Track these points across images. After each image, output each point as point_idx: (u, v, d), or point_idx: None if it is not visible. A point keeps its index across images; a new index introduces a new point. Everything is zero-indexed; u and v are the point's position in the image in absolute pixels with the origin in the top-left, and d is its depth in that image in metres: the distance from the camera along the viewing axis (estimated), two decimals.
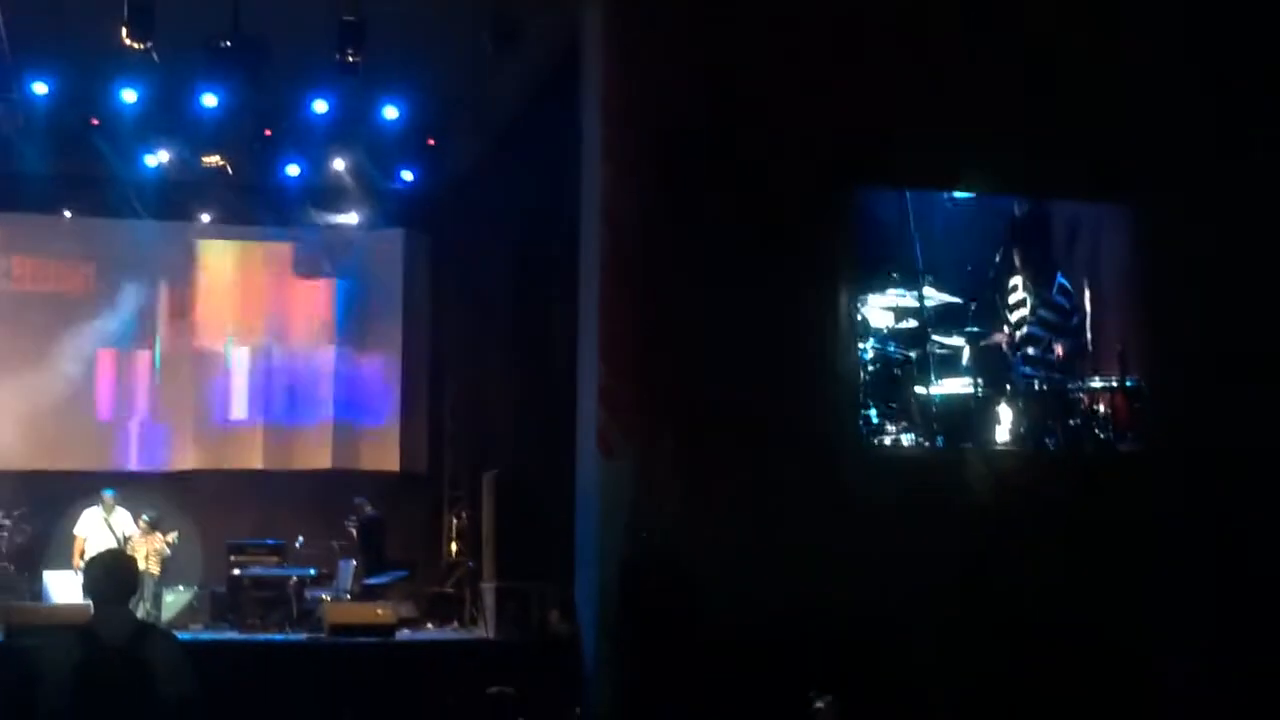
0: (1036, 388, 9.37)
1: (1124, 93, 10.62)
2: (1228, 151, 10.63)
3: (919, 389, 9.37)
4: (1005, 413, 9.44)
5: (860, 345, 9.51)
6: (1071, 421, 9.24)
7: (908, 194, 10.02)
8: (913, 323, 9.55)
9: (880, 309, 9.57)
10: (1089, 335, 9.69)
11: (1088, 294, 9.80)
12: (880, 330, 9.53)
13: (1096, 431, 9.14)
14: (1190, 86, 10.84)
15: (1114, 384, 9.21)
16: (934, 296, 9.66)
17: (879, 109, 10.93)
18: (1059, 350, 9.56)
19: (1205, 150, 10.67)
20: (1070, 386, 9.38)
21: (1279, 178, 10.57)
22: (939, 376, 9.45)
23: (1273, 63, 10.89)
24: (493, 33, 12.17)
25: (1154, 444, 9.77)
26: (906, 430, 9.34)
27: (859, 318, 9.55)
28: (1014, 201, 10.44)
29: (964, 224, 10.26)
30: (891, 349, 9.53)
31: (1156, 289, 10.06)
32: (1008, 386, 9.49)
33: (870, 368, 9.40)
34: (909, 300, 9.45)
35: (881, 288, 9.58)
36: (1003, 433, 9.35)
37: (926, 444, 9.42)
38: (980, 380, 9.36)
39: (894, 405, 9.36)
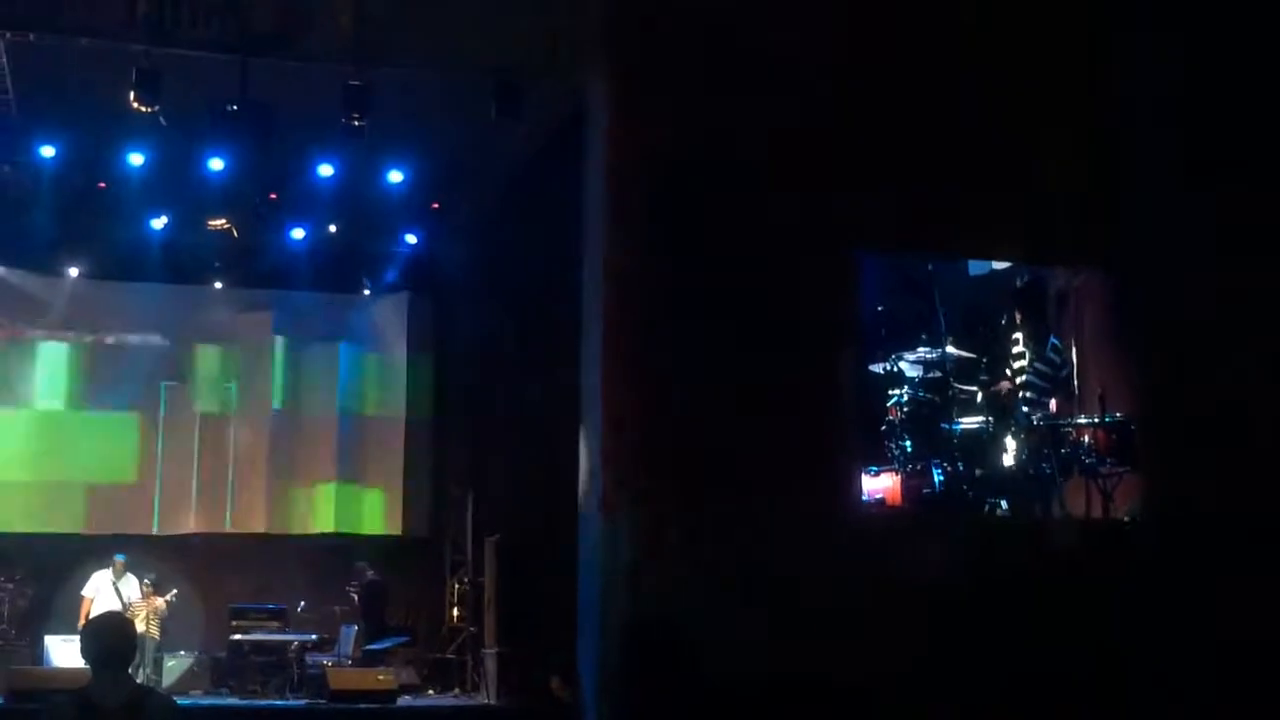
0: (1034, 424, 11.22)
1: (1111, 164, 11.09)
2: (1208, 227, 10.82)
3: (943, 425, 11.42)
4: (1010, 443, 11.31)
5: (895, 392, 11.64)
6: (1063, 450, 10.89)
7: (931, 268, 11.71)
8: (937, 373, 11.63)
9: (911, 362, 11.72)
10: (1075, 383, 11.69)
11: (1074, 351, 11.78)
12: (913, 379, 11.67)
13: (1083, 457, 10.80)
14: (1170, 157, 10.96)
15: (1095, 420, 10.84)
16: (954, 352, 11.68)
17: (882, 174, 10.98)
18: (1052, 396, 11.48)
19: (1195, 228, 10.81)
20: (1061, 423, 11.15)
21: (1247, 244, 10.72)
22: (959, 415, 11.51)
23: (1252, 133, 10.98)
24: (496, 98, 12.24)
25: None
26: (934, 457, 11.24)
27: (895, 370, 11.69)
28: (1018, 274, 12.30)
29: (978, 294, 12.38)
30: (921, 394, 11.57)
31: (1129, 345, 11.24)
32: (1012, 424, 11.41)
33: (905, 409, 11.53)
34: (934, 356, 11.62)
35: (913, 346, 11.73)
36: (1008, 459, 11.27)
37: (950, 466, 11.33)
38: (990, 418, 11.33)
39: (922, 439, 11.41)
